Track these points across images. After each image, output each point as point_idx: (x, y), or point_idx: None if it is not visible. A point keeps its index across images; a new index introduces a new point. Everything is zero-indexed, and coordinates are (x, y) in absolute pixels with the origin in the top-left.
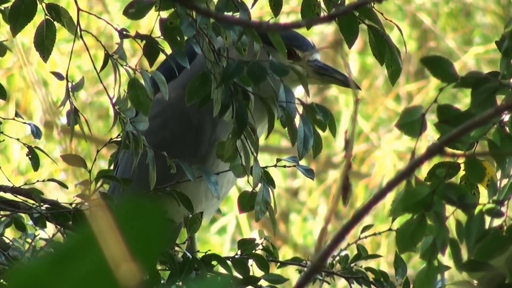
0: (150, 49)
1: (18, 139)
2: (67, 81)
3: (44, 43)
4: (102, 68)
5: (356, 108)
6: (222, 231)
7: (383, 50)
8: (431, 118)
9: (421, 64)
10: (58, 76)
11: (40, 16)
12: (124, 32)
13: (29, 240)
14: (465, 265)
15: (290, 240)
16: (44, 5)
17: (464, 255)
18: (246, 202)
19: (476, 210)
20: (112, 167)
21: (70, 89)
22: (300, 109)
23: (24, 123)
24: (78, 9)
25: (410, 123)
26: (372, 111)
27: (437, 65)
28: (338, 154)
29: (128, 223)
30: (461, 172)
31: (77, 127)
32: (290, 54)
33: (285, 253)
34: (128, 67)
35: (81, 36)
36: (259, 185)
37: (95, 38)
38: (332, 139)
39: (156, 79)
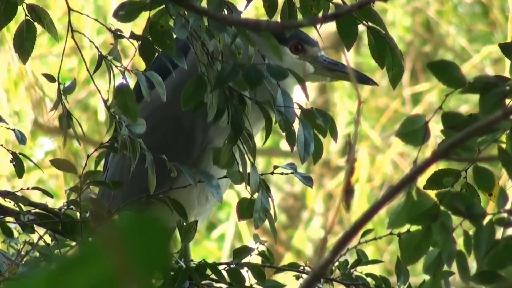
0: (146, 49)
1: (2, 145)
2: (59, 83)
3: (24, 45)
4: (96, 69)
5: (359, 110)
6: (221, 238)
7: (384, 52)
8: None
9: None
10: (50, 78)
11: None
12: (119, 33)
13: (13, 244)
14: (476, 276)
15: (293, 247)
16: (24, 5)
17: (472, 268)
18: (245, 209)
19: (486, 220)
20: (98, 168)
21: (62, 92)
22: (299, 113)
23: (9, 128)
24: (69, 9)
25: (412, 131)
26: (375, 112)
27: (443, 70)
28: (335, 157)
29: (130, 236)
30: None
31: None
32: (296, 49)
33: (287, 259)
34: (122, 67)
35: (72, 37)
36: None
37: (88, 39)
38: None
39: (153, 80)
